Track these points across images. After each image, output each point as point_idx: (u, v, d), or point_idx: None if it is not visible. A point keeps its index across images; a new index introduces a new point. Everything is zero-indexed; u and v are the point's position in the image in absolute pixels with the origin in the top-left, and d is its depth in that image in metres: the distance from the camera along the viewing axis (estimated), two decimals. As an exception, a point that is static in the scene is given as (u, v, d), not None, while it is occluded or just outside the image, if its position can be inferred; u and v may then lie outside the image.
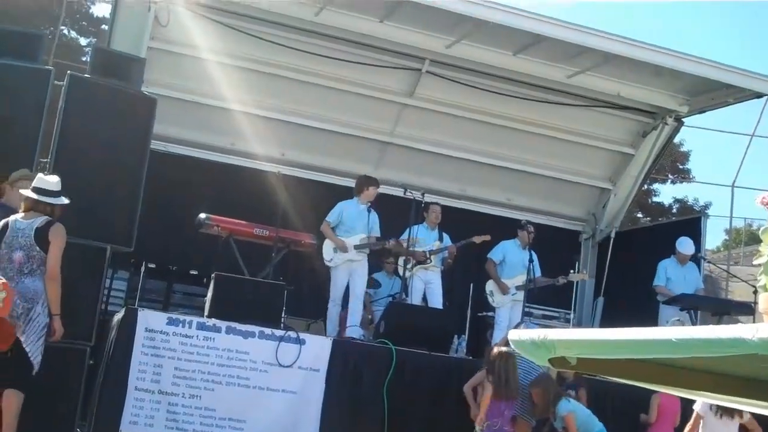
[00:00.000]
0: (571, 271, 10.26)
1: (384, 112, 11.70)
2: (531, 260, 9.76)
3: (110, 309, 8.51)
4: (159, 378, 7.28)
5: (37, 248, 6.16)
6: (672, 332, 2.02)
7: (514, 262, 10.07)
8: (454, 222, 10.46)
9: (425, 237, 9.74)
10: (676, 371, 2.44)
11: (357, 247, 9.34)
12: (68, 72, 7.99)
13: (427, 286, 9.84)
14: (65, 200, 6.40)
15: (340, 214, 9.51)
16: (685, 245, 10.47)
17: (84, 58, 20.66)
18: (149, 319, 7.39)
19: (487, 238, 9.88)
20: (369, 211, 9.56)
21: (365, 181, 9.72)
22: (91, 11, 23.70)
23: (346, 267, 9.36)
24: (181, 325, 7.42)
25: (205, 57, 10.50)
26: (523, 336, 2.56)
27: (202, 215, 8.74)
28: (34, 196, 6.27)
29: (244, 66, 10.62)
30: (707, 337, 1.92)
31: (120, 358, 7.22)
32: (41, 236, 6.18)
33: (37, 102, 7.68)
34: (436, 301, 9.82)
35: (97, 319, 7.42)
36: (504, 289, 9.97)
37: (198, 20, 10.12)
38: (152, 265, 8.94)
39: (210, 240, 8.91)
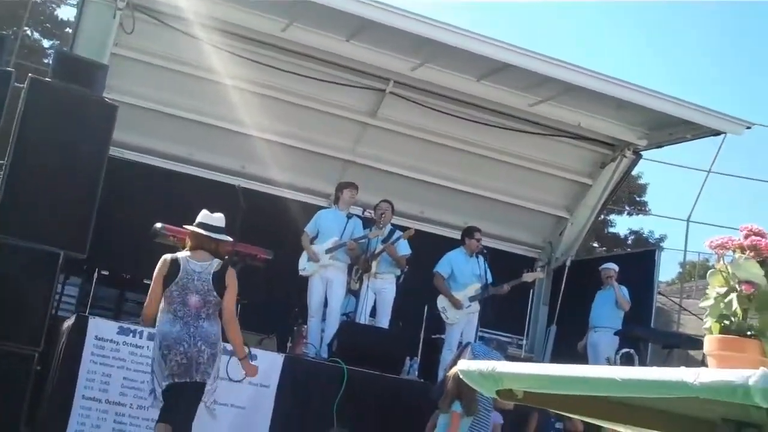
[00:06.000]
0: (525, 270, 10.28)
1: (346, 131, 11.73)
2: (480, 266, 9.72)
3: (61, 315, 8.40)
4: (107, 387, 7.19)
5: (215, 293, 6.05)
6: (617, 372, 2.05)
7: (463, 273, 9.88)
8: (412, 243, 10.44)
9: (368, 236, 9.50)
10: (622, 408, 2.48)
11: (328, 251, 9.34)
12: (29, 75, 7.91)
13: (377, 295, 9.66)
14: (229, 238, 6.36)
15: (317, 223, 9.56)
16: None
17: (46, 60, 20.53)
18: (100, 327, 7.31)
19: (412, 231, 9.71)
20: (349, 218, 9.55)
21: (339, 186, 9.78)
22: (56, 13, 23.59)
23: (321, 275, 9.35)
24: (131, 334, 7.35)
25: (168, 66, 10.56)
26: (472, 367, 2.59)
27: (158, 224, 8.65)
28: (202, 232, 6.19)
29: (207, 77, 10.55)
30: (650, 379, 1.95)
31: (68, 365, 7.12)
32: (219, 281, 6.08)
33: (-3, 103, 7.60)
34: (384, 313, 9.65)
35: (47, 325, 7.32)
36: (457, 304, 9.71)
37: (163, 29, 10.10)
38: (105, 273, 8.86)
39: (165, 250, 8.79)
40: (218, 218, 6.32)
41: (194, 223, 6.30)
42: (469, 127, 11.70)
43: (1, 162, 7.72)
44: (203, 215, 6.33)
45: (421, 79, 10.99)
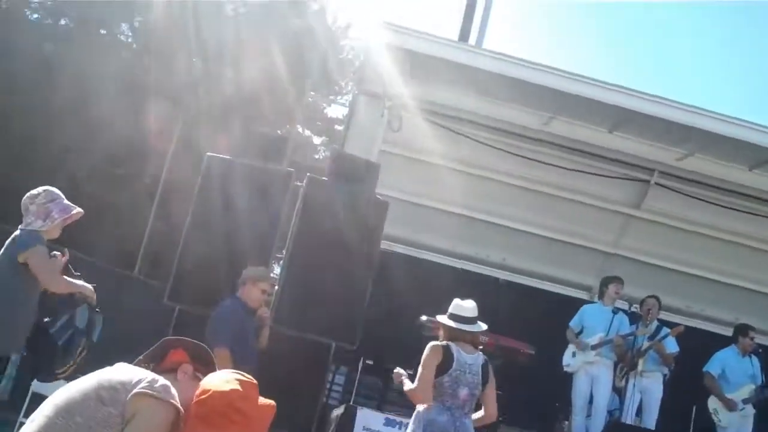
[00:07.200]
0: None
1: (609, 223, 11.53)
2: (753, 366, 9.19)
3: (329, 402, 8.70)
4: (376, 479, 7.37)
5: (481, 387, 5.93)
6: None
7: (736, 373, 9.33)
8: (679, 339, 10.03)
9: (635, 333, 9.20)
10: None
11: (593, 347, 9.17)
12: (308, 174, 8.37)
13: (643, 394, 9.30)
14: (484, 326, 6.12)
15: (581, 318, 9.44)
16: None
17: (316, 156, 21.71)
18: (367, 417, 7.53)
19: (681, 328, 9.27)
20: (615, 313, 9.32)
21: (604, 281, 9.61)
22: (325, 111, 24.96)
23: (586, 372, 9.19)
24: (397, 426, 7.51)
25: (434, 161, 10.79)
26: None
27: (423, 317, 8.80)
28: (454, 325, 6.01)
29: (469, 171, 10.81)
30: None
31: (337, 454, 7.39)
32: (486, 375, 5.98)
33: (277, 201, 8.07)
34: (651, 413, 9.26)
35: (318, 413, 7.62)
36: (730, 406, 9.13)
37: (428, 126, 10.41)
38: (370, 362, 9.08)
39: (429, 341, 8.95)
40: (471, 308, 6.08)
41: (447, 314, 6.11)
42: (740, 218, 11.19)
43: (280, 256, 8.21)
44: (455, 305, 6.12)
45: (688, 169, 10.72)
